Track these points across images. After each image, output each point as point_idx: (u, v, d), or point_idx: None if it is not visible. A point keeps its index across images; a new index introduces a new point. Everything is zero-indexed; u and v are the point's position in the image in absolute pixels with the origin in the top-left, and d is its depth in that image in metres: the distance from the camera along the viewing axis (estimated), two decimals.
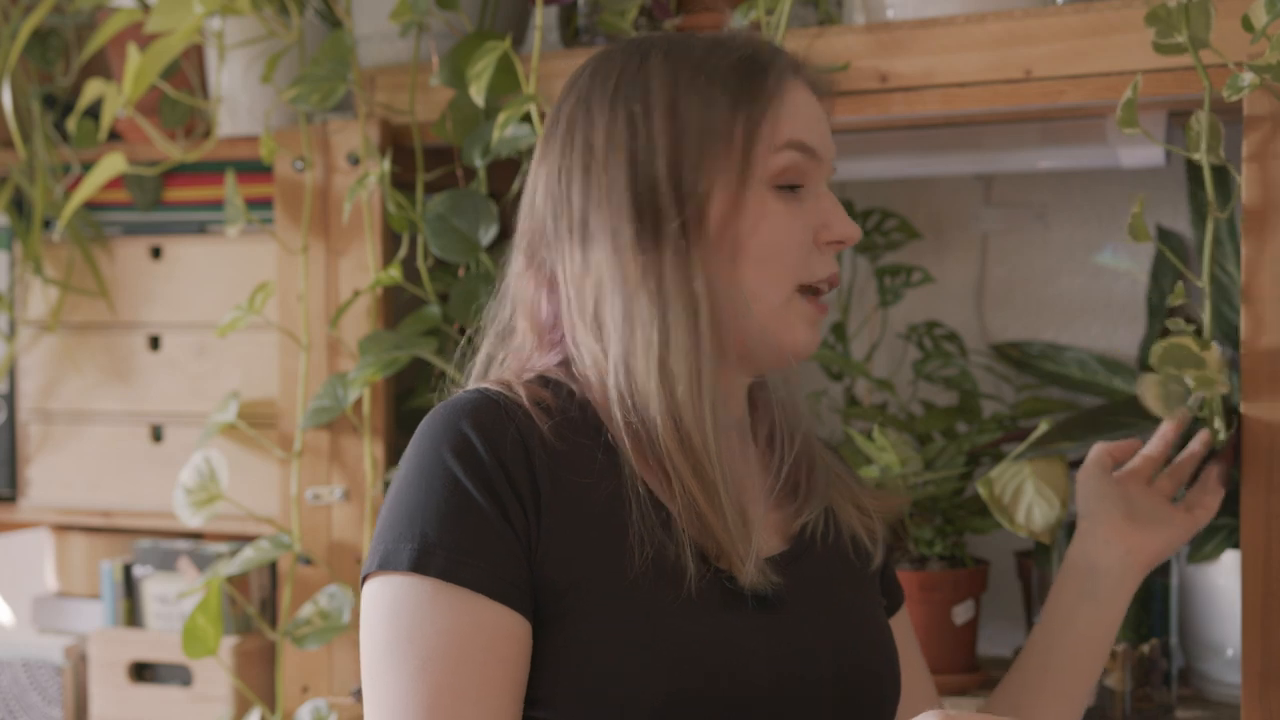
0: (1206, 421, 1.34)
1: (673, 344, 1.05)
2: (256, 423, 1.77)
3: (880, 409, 1.74)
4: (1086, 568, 1.29)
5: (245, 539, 1.85)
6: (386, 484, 1.65)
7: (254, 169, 1.78)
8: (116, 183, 1.85)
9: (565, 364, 1.12)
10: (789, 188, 1.10)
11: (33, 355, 1.93)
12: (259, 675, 1.78)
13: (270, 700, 1.76)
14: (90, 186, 1.75)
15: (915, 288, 1.79)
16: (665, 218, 1.06)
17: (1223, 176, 1.41)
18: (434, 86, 1.62)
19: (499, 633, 1.00)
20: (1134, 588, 1.30)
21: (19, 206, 1.91)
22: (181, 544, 1.85)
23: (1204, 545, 1.47)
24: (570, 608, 1.02)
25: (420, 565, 1.00)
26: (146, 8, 1.77)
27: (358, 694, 1.66)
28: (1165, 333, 1.37)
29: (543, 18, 1.57)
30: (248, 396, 1.79)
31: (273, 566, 1.82)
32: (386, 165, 1.60)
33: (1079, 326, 1.80)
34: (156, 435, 1.87)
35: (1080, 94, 1.39)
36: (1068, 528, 1.43)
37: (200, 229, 1.86)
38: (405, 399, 1.71)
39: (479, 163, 1.59)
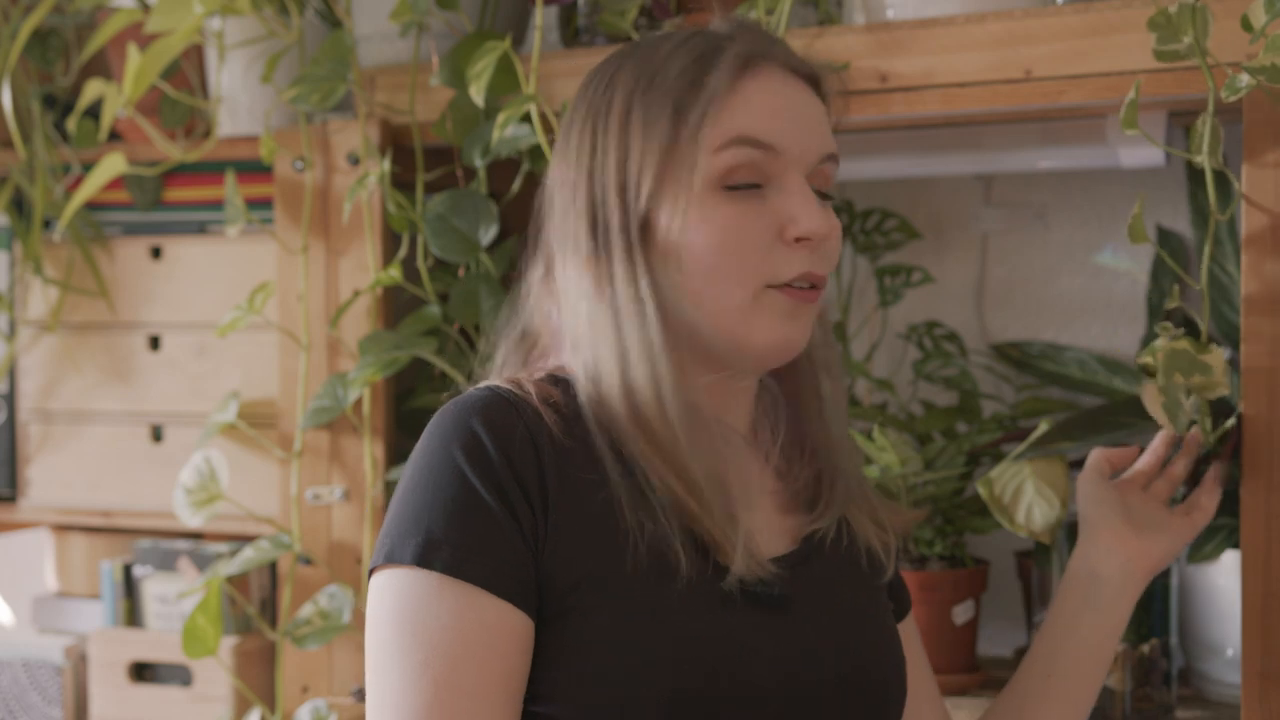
0: (1198, 421, 1.34)
1: (630, 352, 1.07)
2: (256, 423, 1.77)
3: (880, 409, 1.74)
4: (1088, 576, 1.29)
5: (245, 539, 1.85)
6: (387, 484, 1.65)
7: (254, 169, 1.78)
8: (117, 183, 1.85)
9: None
10: (747, 186, 1.08)
11: (33, 355, 1.92)
12: (259, 675, 1.78)
13: (270, 700, 1.76)
14: (90, 186, 1.75)
15: (915, 288, 1.79)
16: (613, 229, 1.08)
17: (1223, 177, 1.41)
18: (434, 86, 1.62)
19: (502, 629, 1.01)
20: (1136, 595, 1.29)
21: (19, 206, 1.91)
22: (181, 544, 1.85)
23: (1204, 545, 1.47)
24: (574, 605, 1.02)
25: (425, 560, 1.01)
26: (146, 8, 1.76)
27: (358, 694, 1.66)
28: (1154, 336, 1.37)
29: (543, 18, 1.57)
30: (248, 396, 1.79)
31: (273, 566, 1.82)
32: (386, 165, 1.60)
33: (1079, 326, 1.80)
34: (156, 435, 1.87)
35: (1080, 94, 1.39)
36: (1067, 528, 1.43)
37: (200, 229, 1.86)
38: (405, 399, 1.71)
39: (479, 163, 1.59)
